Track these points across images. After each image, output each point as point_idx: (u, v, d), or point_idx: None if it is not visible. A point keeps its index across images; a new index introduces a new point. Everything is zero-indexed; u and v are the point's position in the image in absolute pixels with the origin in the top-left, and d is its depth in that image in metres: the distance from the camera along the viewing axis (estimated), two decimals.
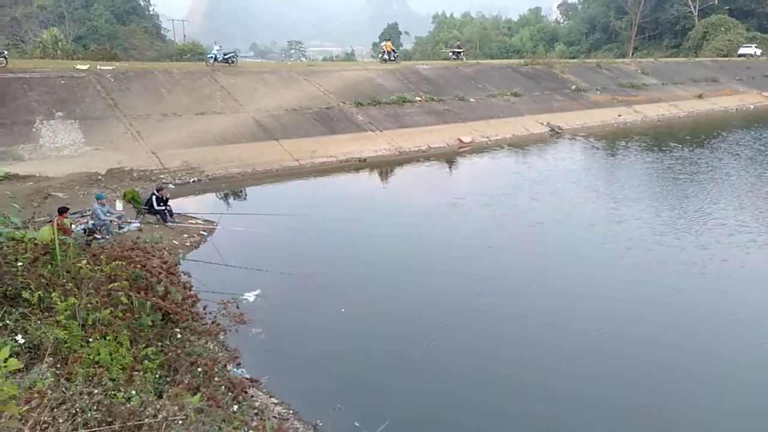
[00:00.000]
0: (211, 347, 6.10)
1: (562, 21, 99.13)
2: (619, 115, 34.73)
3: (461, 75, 35.37)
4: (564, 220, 16.02)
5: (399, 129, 26.54)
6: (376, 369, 8.79)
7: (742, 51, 60.56)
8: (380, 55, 39.09)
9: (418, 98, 30.06)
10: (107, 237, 12.09)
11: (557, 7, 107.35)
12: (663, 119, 36.13)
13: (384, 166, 23.07)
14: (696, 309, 10.62)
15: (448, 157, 24.73)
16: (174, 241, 13.32)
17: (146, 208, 14.56)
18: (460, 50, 44.08)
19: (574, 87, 37.63)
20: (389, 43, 41.00)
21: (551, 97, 35.45)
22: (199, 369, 4.74)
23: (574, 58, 61.59)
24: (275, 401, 7.50)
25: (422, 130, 27.06)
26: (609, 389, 8.28)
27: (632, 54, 67.12)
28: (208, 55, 29.94)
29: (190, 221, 14.99)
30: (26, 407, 2.80)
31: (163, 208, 14.49)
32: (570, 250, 13.72)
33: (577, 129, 31.46)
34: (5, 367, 2.71)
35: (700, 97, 41.76)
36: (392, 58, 37.84)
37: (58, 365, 3.79)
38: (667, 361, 8.90)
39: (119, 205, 14.74)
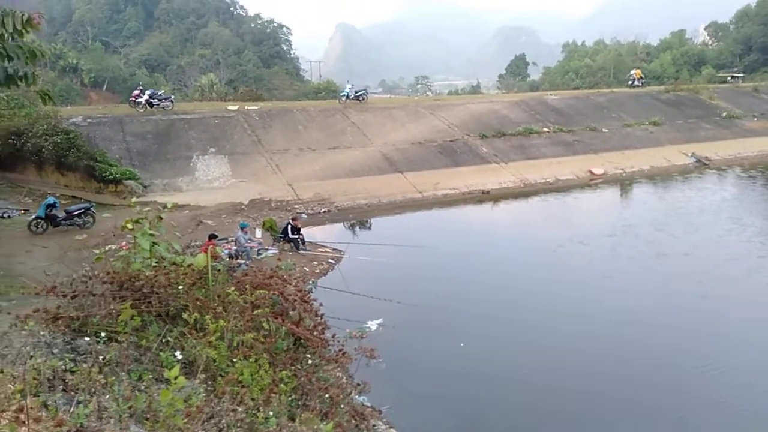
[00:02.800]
0: (338, 374, 6.36)
1: (710, 43, 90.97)
2: None
3: (593, 104, 33.83)
4: (718, 265, 14.33)
5: (524, 160, 25.96)
6: (496, 414, 8.51)
7: None
8: (629, 83, 40.73)
9: (545, 129, 29.25)
10: (247, 262, 13.20)
11: (704, 29, 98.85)
12: None
13: (508, 199, 22.63)
14: None
15: (578, 190, 23.59)
16: (305, 268, 14.16)
17: (282, 236, 15.71)
18: (643, 78, 42.47)
19: (725, 114, 34.18)
20: (639, 71, 43.16)
21: (697, 125, 32.50)
22: (328, 396, 4.98)
23: (724, 82, 55.99)
24: None
25: (549, 161, 26.20)
26: None
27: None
28: (341, 93, 31.89)
29: (320, 249, 15.87)
30: (185, 420, 3.17)
31: (297, 236, 15.53)
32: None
33: (729, 160, 28.41)
34: (175, 383, 3.11)
35: None
36: (640, 85, 39.82)
37: (209, 382, 4.23)
38: None
39: (259, 233, 16.05)
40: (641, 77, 41.11)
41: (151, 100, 25.66)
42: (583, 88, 55.57)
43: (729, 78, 46.49)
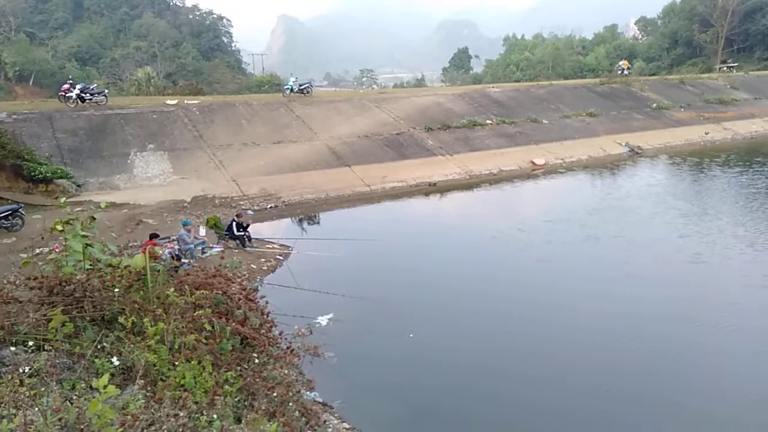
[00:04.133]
0: (286, 372, 6.27)
1: (640, 37, 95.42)
2: (707, 133, 32.73)
3: (533, 97, 34.82)
4: (648, 246, 15.22)
5: (469, 152, 26.42)
6: (448, 400, 8.64)
7: None
8: (619, 72, 43.85)
9: (489, 121, 29.86)
10: (192, 261, 12.81)
11: (635, 23, 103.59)
12: (757, 136, 33.68)
13: (454, 190, 22.99)
14: None
15: (520, 180, 24.26)
16: (252, 266, 13.88)
17: (227, 233, 15.32)
18: (630, 67, 47.26)
19: (655, 105, 35.97)
20: (626, 62, 47.79)
21: (630, 116, 34.05)
22: (275, 394, 4.89)
23: (654, 74, 58.87)
24: (347, 426, 7.55)
25: (493, 153, 26.78)
26: None
27: (719, 68, 63.24)
28: (285, 86, 31.38)
29: (267, 246, 15.59)
30: (120, 429, 3.02)
31: (243, 233, 15.18)
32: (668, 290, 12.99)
33: (659, 149, 29.95)
34: (105, 392, 2.95)
35: None
36: (628, 74, 43.24)
37: (148, 387, 4.05)
38: None
39: (202, 231, 15.59)
40: (628, 67, 45.93)
41: (83, 95, 24.40)
42: (524, 81, 57.17)
43: (725, 68, 50.23)
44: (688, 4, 75.83)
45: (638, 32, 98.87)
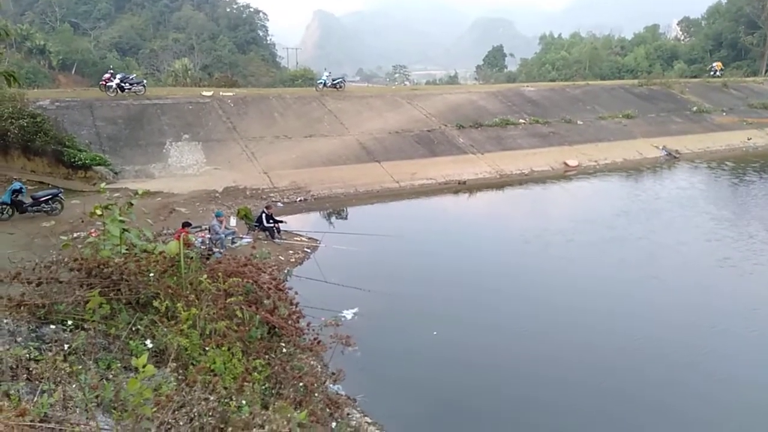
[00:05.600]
0: (312, 363, 6.34)
1: (682, 38, 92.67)
2: (749, 139, 31.61)
3: (568, 97, 34.20)
4: (675, 249, 14.90)
5: (501, 151, 26.13)
6: (470, 398, 8.60)
7: None
8: (711, 73, 45.05)
9: (522, 120, 29.47)
10: (222, 251, 13.03)
11: (677, 24, 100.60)
12: None
13: (484, 189, 22.79)
14: None
15: (552, 181, 23.89)
16: (280, 257, 14.05)
17: (257, 224, 15.53)
18: (723, 69, 47.54)
19: (695, 108, 34.91)
20: (720, 63, 48.37)
21: (668, 119, 33.14)
22: (302, 384, 4.95)
23: (696, 77, 57.12)
24: (369, 420, 7.60)
25: (525, 152, 26.43)
26: None
27: (765, 72, 60.95)
28: (318, 81, 31.55)
29: (296, 238, 15.75)
30: (155, 409, 3.11)
31: (272, 225, 15.37)
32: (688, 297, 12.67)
33: (698, 153, 29.08)
34: (143, 372, 3.04)
35: None
36: (720, 75, 43.85)
37: (180, 370, 4.16)
38: None
39: (233, 221, 15.83)
40: (721, 68, 46.76)
41: (123, 85, 25.01)
42: (560, 81, 56.21)
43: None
44: (734, 5, 73.25)
45: (681, 33, 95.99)
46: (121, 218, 5.87)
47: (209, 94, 27.21)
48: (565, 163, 25.67)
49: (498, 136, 27.51)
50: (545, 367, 9.34)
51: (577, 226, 17.17)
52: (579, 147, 27.71)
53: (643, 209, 19.26)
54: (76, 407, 3.08)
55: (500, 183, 23.47)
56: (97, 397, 3.17)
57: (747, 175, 24.95)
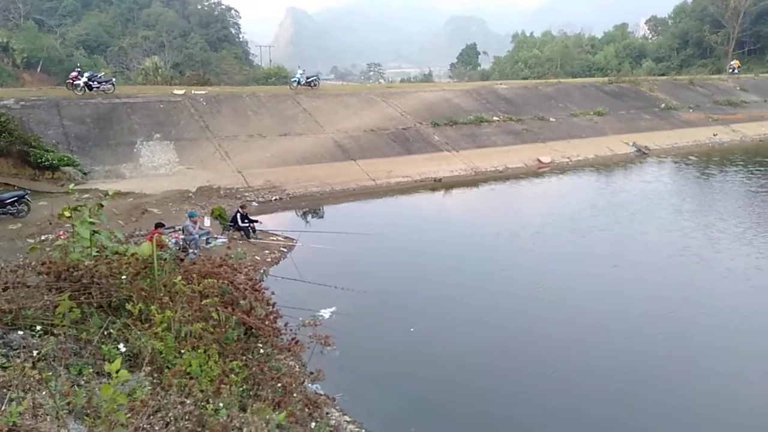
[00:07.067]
0: (290, 363, 6.29)
1: (650, 37, 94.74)
2: (715, 135, 32.52)
3: (541, 94, 34.66)
4: (653, 250, 15.29)
5: (476, 149, 26.35)
6: (448, 393, 8.67)
7: None
8: (729, 71, 47.78)
9: (496, 118, 29.75)
10: (196, 252, 12.83)
11: (645, 23, 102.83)
12: (765, 138, 33.42)
13: (460, 186, 22.95)
14: None
15: (526, 178, 24.20)
16: (256, 257, 13.91)
17: (232, 224, 15.35)
18: (740, 66, 49.84)
19: (663, 105, 35.74)
20: (737, 61, 50.26)
21: (638, 116, 33.86)
22: (280, 385, 4.91)
23: (663, 75, 58.44)
24: (348, 419, 7.58)
25: (499, 150, 26.70)
26: None
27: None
28: (292, 79, 31.30)
29: (272, 238, 15.61)
30: (129, 414, 3.03)
31: (247, 224, 15.21)
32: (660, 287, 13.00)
33: (667, 149, 29.80)
34: (117, 377, 2.96)
35: None
36: (737, 73, 46.82)
37: (155, 374, 4.07)
38: None
39: (207, 222, 15.61)
40: (739, 66, 49.10)
41: (91, 83, 24.40)
42: (532, 78, 56.88)
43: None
44: (699, 5, 75.19)
45: (648, 32, 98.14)
46: (91, 220, 5.73)
47: (181, 92, 26.76)
48: (539, 160, 26.01)
49: (473, 134, 27.72)
50: (520, 361, 9.49)
51: (547, 221, 17.56)
52: (552, 144, 28.11)
53: (609, 202, 19.82)
54: (47, 415, 2.99)
55: (475, 180, 23.66)
56: (68, 404, 3.08)
57: (708, 169, 25.86)
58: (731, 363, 9.37)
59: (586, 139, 29.39)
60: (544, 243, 15.62)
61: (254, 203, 18.78)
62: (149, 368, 3.97)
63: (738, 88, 41.92)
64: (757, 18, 68.90)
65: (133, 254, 5.50)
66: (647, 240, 15.91)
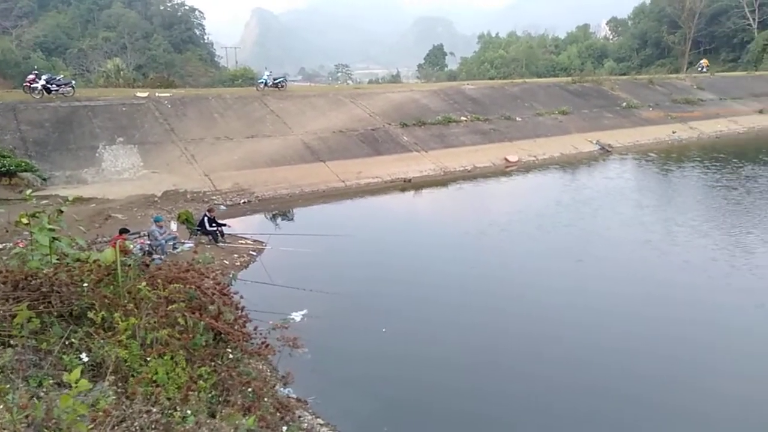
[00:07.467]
0: (261, 367, 6.22)
1: (611, 37, 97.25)
2: (674, 132, 33.58)
3: (507, 94, 35.17)
4: (615, 246, 15.72)
5: (444, 149, 26.56)
6: (421, 392, 8.71)
7: None
8: (699, 70, 50.12)
9: (463, 118, 30.05)
10: (163, 257, 12.58)
11: (606, 23, 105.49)
12: (721, 136, 34.67)
13: (429, 186, 23.10)
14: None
15: (494, 177, 24.52)
16: (225, 261, 13.71)
17: (199, 228, 15.09)
18: (708, 65, 52.05)
19: (624, 104, 36.71)
20: (707, 60, 53.02)
21: (601, 114, 34.69)
22: (250, 389, 4.85)
23: (624, 74, 60.04)
24: (321, 422, 7.54)
25: (468, 149, 26.97)
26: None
27: (686, 69, 64.88)
28: (259, 80, 30.99)
29: (240, 241, 15.41)
30: (92, 425, 2.95)
31: (215, 228, 14.97)
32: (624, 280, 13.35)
33: (629, 147, 30.61)
34: (76, 387, 2.87)
35: (761, 112, 39.89)
36: (707, 71, 48.96)
37: (119, 383, 3.97)
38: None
39: (174, 226, 15.32)
40: (707, 65, 51.75)
41: (49, 86, 23.66)
42: (498, 79, 57.67)
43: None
44: (657, 6, 77.56)
45: (609, 33, 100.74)
46: (50, 226, 5.55)
47: (144, 95, 26.18)
48: (506, 159, 26.39)
49: (441, 134, 27.93)
50: (490, 357, 9.60)
51: (514, 218, 17.89)
52: (519, 143, 28.55)
53: (574, 199, 20.29)
54: (4, 429, 2.88)
55: (444, 180, 23.85)
56: (27, 417, 2.97)
57: (667, 165, 26.82)
58: (689, 352, 9.70)
59: (552, 138, 29.95)
60: (511, 240, 15.94)
61: (222, 207, 18.52)
62: (113, 377, 3.87)
63: (695, 87, 43.37)
64: (712, 19, 71.51)
65: (95, 261, 5.35)
66: (610, 235, 16.37)
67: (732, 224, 17.01)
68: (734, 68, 63.69)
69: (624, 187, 22.19)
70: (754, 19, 68.07)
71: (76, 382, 2.91)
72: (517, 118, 31.52)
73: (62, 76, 28.35)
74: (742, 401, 8.31)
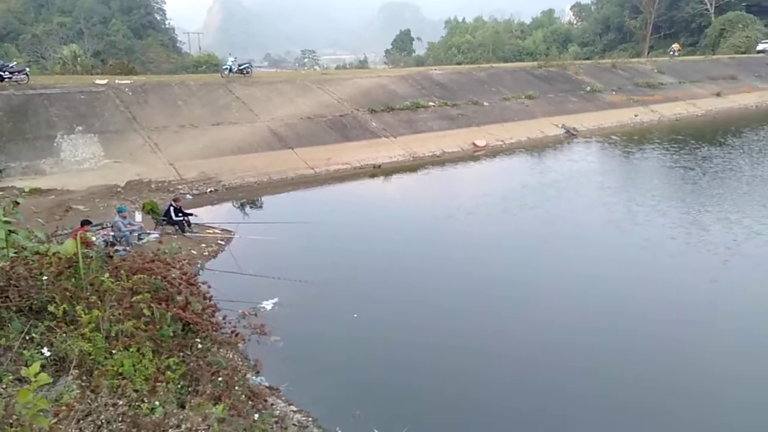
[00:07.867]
0: (231, 356, 6.17)
1: (575, 22, 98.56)
2: (636, 115, 34.39)
3: (474, 79, 35.34)
4: (580, 225, 16.10)
5: (413, 134, 26.58)
6: (393, 374, 8.81)
7: (761, 47, 59.49)
8: (671, 54, 52.14)
9: (431, 103, 30.09)
10: (127, 248, 12.29)
11: (570, 9, 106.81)
12: (681, 118, 35.69)
13: (398, 172, 23.13)
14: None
15: (463, 162, 24.70)
16: (192, 251, 13.49)
17: (165, 219, 14.78)
18: (680, 49, 55.10)
19: (588, 88, 37.36)
20: (678, 45, 55.67)
21: (566, 98, 35.23)
22: (220, 379, 4.81)
23: (588, 59, 61.05)
24: (294, 409, 7.55)
25: (436, 135, 27.06)
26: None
27: (647, 53, 66.38)
28: (223, 67, 30.32)
29: (208, 231, 15.17)
30: (54, 420, 2.88)
31: (181, 218, 14.69)
32: (583, 255, 13.69)
33: (593, 130, 31.22)
34: (36, 381, 2.79)
35: (718, 95, 41.19)
36: (678, 55, 50.10)
37: (83, 377, 3.88)
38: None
39: (138, 217, 14.97)
40: (679, 49, 54.84)
41: (1, 73, 22.63)
42: (465, 64, 57.90)
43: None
44: None
45: (573, 18, 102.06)
46: (5, 219, 5.36)
47: (103, 82, 25.32)
48: (474, 144, 26.59)
49: (409, 120, 27.93)
50: (461, 338, 9.74)
51: (480, 201, 18.13)
52: (486, 128, 28.78)
53: (539, 182, 20.70)
54: None
55: (414, 165, 23.92)
56: None
57: (629, 147, 27.61)
58: (647, 327, 10.07)
59: (519, 122, 30.30)
60: (478, 223, 16.17)
61: (188, 196, 18.17)
62: (77, 371, 3.79)
63: (655, 71, 44.39)
64: (671, 4, 73.17)
65: (55, 254, 5.20)
66: (574, 216, 16.78)
67: (689, 203, 17.62)
68: (693, 52, 65.41)
69: (588, 170, 22.69)
70: (711, 4, 69.95)
71: (35, 377, 2.84)
72: (485, 103, 31.74)
73: (15, 63, 27.17)
74: (699, 372, 8.68)
